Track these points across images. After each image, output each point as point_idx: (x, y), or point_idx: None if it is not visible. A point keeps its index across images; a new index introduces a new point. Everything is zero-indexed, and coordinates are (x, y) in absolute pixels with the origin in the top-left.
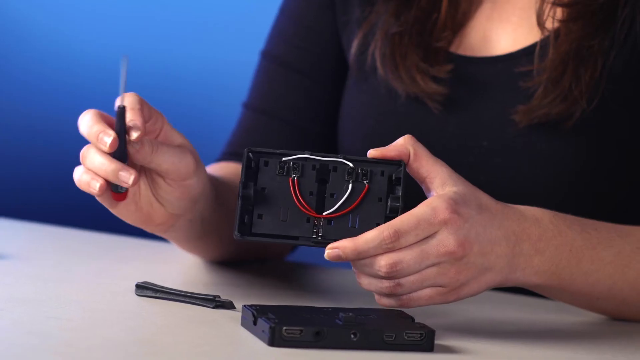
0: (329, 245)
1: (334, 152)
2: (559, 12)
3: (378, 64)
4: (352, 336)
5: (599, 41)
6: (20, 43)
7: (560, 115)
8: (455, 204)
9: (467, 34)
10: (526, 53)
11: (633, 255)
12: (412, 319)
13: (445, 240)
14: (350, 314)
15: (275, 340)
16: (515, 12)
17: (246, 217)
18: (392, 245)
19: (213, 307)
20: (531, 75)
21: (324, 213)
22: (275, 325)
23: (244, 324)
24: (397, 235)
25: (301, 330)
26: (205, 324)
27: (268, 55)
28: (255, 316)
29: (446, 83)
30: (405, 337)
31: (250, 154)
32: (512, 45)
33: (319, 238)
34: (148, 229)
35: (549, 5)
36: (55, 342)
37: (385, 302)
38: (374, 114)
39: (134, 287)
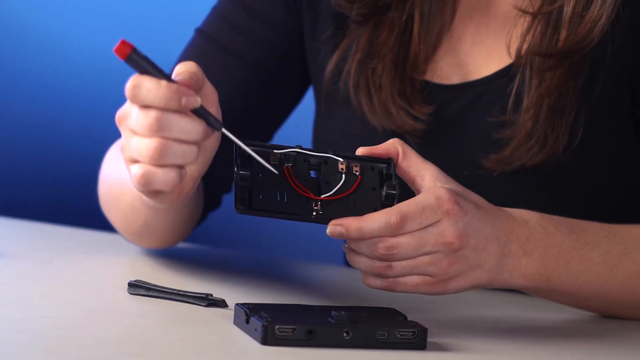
0: (333, 221)
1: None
2: (536, 60)
3: (351, 94)
4: (345, 334)
5: (575, 84)
6: (10, 39)
7: (536, 165)
8: (457, 196)
9: (441, 58)
10: (502, 75)
11: (622, 255)
12: (405, 317)
13: (445, 231)
14: (343, 312)
15: (267, 338)
16: (489, 34)
17: (246, 194)
18: (397, 229)
19: (205, 306)
20: (504, 126)
21: (322, 196)
22: (267, 324)
23: (236, 322)
24: (404, 220)
25: (294, 329)
26: (197, 323)
27: (205, 35)
28: (247, 314)
29: (425, 116)
30: (398, 335)
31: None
32: (487, 68)
33: (320, 214)
34: (165, 201)
35: (524, 47)
36: (47, 341)
37: (371, 282)
38: (350, 142)
39: (127, 286)
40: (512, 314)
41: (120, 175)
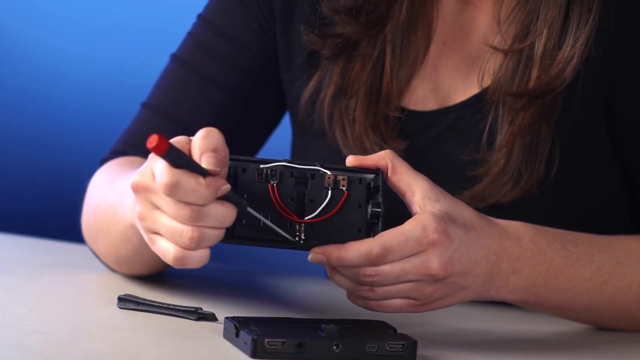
0: (314, 249)
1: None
2: (508, 98)
3: (326, 127)
4: (335, 347)
5: (548, 122)
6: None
7: (511, 202)
8: (445, 224)
9: (418, 85)
10: (478, 101)
11: (612, 271)
12: (395, 330)
13: (428, 262)
14: (333, 325)
15: (257, 352)
16: (464, 60)
17: None
18: (377, 261)
19: (195, 319)
20: (477, 163)
21: (306, 218)
22: (257, 337)
23: (226, 336)
24: (385, 252)
25: (283, 342)
26: (187, 336)
27: (181, 61)
28: (237, 328)
29: (398, 152)
30: (388, 348)
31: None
32: (463, 94)
33: (302, 242)
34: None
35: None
36: (37, 356)
37: (354, 301)
38: None
39: (116, 300)
40: (502, 327)
41: (109, 205)
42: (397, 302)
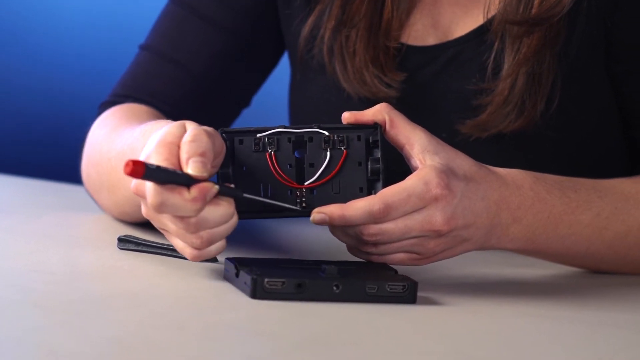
0: (316, 209)
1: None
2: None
3: (326, 61)
4: (335, 288)
5: (552, 52)
6: None
7: (514, 132)
8: (447, 178)
9: (418, 20)
10: (477, 35)
11: (611, 217)
12: (395, 272)
13: (432, 217)
14: (333, 266)
15: (257, 292)
16: None
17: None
18: (380, 218)
19: None
20: (481, 92)
21: (305, 183)
22: (257, 277)
23: (226, 276)
24: (388, 209)
25: (283, 282)
26: (187, 277)
27: (180, 2)
28: (237, 269)
29: (398, 85)
30: (388, 289)
31: (223, 134)
32: (463, 28)
33: (304, 207)
34: None
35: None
36: (36, 296)
37: (356, 254)
38: (326, 110)
39: (116, 241)
40: (501, 270)
41: (112, 167)
42: (399, 256)
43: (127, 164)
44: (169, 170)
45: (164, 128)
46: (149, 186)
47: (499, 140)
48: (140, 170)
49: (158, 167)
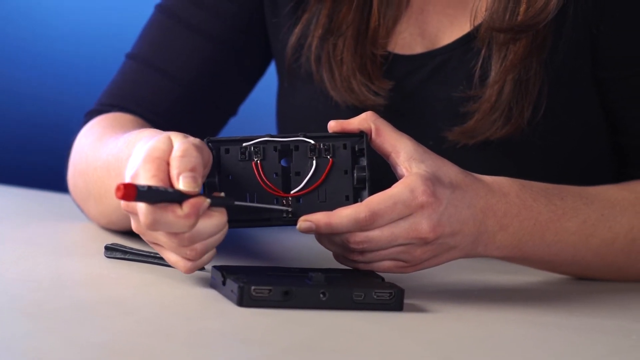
0: (302, 217)
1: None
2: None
3: (313, 70)
4: (321, 295)
5: (539, 59)
6: None
7: (501, 138)
8: (433, 185)
9: (405, 29)
10: (463, 43)
11: (597, 224)
12: (382, 279)
13: (417, 225)
14: (320, 273)
15: (244, 300)
16: (451, 4)
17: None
18: (366, 226)
19: None
20: (468, 99)
21: (292, 192)
22: (244, 285)
23: (213, 284)
24: (374, 217)
25: (270, 290)
26: (174, 285)
27: (166, 11)
28: (224, 276)
29: (385, 93)
30: (375, 297)
31: (209, 144)
32: (450, 37)
33: (290, 216)
34: None
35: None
36: (24, 304)
37: (342, 261)
38: (314, 118)
39: (103, 249)
40: (487, 277)
41: (98, 177)
42: (385, 264)
43: (118, 188)
44: (160, 189)
45: (150, 143)
46: (140, 206)
47: (486, 147)
48: (131, 193)
49: (149, 188)
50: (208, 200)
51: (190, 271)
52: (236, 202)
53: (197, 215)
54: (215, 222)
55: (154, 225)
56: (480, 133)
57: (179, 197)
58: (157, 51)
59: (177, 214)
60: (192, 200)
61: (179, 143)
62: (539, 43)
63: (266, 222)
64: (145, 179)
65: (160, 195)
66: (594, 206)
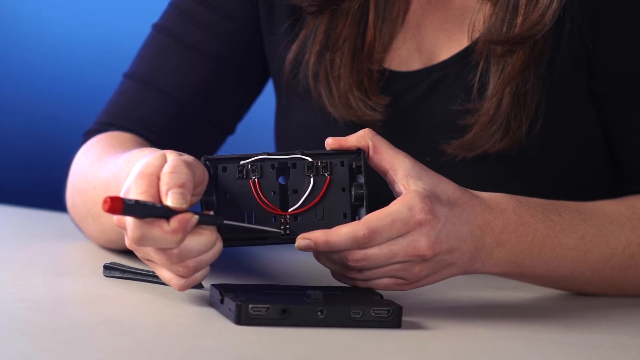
0: (301, 235)
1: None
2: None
3: (311, 86)
4: (319, 313)
5: (536, 71)
6: None
7: (499, 152)
8: (431, 203)
9: (402, 45)
10: (461, 58)
11: (595, 239)
12: (381, 296)
13: (416, 242)
14: (318, 291)
15: (241, 318)
16: (448, 19)
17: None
18: (364, 244)
19: None
20: (466, 113)
21: (289, 210)
22: (241, 303)
23: (211, 302)
24: (372, 235)
25: (268, 308)
26: (173, 304)
27: (164, 30)
28: (222, 295)
29: (382, 108)
30: (373, 314)
31: (207, 162)
32: (447, 52)
33: (287, 233)
34: None
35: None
36: (22, 324)
37: (340, 280)
38: (312, 135)
39: (102, 268)
40: (485, 294)
41: (97, 195)
42: (384, 281)
43: (105, 201)
44: (147, 204)
45: (144, 159)
46: (128, 221)
47: (484, 161)
48: (118, 206)
49: (137, 202)
50: (196, 217)
51: (183, 288)
52: (225, 222)
53: (185, 231)
54: (204, 239)
55: (141, 240)
56: (479, 146)
57: (166, 213)
58: (155, 70)
59: (164, 229)
60: (179, 216)
61: (171, 159)
62: (536, 55)
63: (263, 240)
64: (136, 195)
65: (148, 210)
66: (591, 222)
